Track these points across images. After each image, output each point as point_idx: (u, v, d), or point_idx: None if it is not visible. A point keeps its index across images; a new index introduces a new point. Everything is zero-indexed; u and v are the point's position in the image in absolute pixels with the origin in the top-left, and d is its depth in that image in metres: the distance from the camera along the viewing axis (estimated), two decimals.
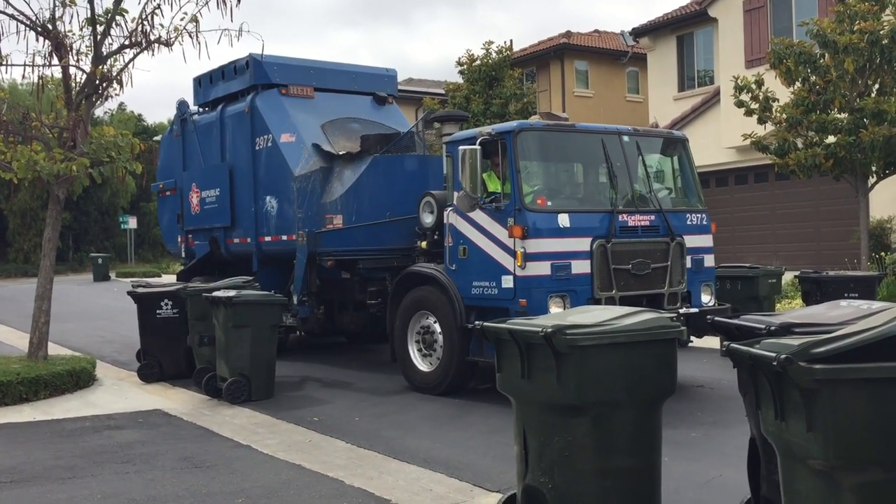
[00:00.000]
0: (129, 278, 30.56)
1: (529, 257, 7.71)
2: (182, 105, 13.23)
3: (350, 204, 10.11)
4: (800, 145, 14.24)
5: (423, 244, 9.16)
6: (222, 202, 12.07)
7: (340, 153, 10.58)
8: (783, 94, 14.91)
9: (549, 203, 8.09)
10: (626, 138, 8.55)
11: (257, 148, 11.39)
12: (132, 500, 5.41)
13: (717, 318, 4.24)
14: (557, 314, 4.55)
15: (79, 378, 9.52)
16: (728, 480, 5.44)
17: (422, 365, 8.89)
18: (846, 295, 9.12)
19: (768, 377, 2.94)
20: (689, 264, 8.51)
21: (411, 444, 6.76)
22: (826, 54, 13.85)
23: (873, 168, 13.98)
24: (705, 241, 8.81)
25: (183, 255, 13.31)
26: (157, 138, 41.53)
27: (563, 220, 7.88)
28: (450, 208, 8.58)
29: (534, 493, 4.16)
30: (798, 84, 14.37)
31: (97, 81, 9.70)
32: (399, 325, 9.07)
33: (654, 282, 8.19)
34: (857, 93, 13.77)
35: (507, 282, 7.87)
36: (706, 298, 8.78)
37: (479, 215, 8.19)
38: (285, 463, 6.24)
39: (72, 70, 9.75)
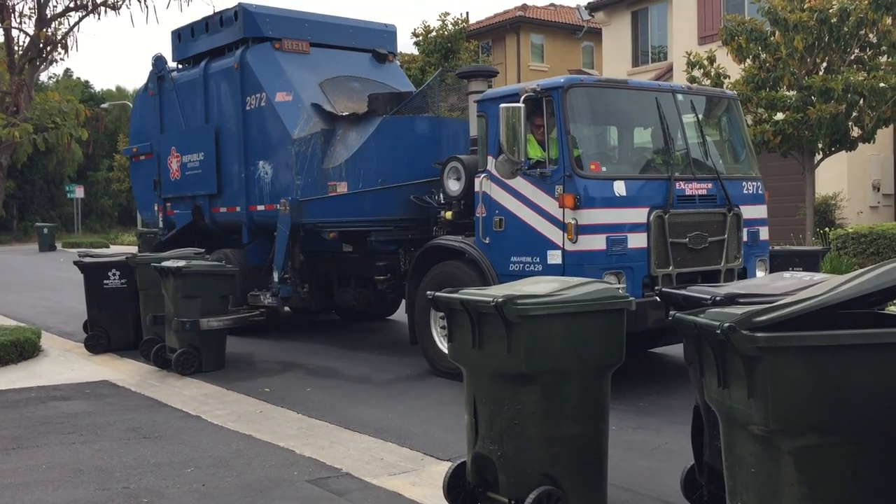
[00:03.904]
0: (76, 248, 29.98)
1: (582, 230, 6.94)
2: (159, 61, 12.14)
3: (356, 169, 9.29)
4: (749, 122, 14.45)
5: (448, 215, 8.36)
6: (207, 167, 11.16)
7: (344, 114, 9.79)
8: (734, 70, 15.11)
9: (604, 169, 7.30)
10: (680, 97, 7.81)
11: (248, 108, 10.52)
12: (78, 470, 5.34)
13: (664, 289, 4.31)
14: (509, 284, 4.56)
15: (23, 349, 9.34)
16: (673, 447, 5.57)
17: (447, 348, 8.24)
18: (791, 269, 9.33)
19: (712, 345, 3.00)
20: (745, 237, 7.82)
21: (363, 414, 6.78)
22: (776, 32, 14.06)
23: (820, 145, 14.27)
24: (761, 212, 8.11)
25: (160, 224, 12.33)
26: (105, 106, 40.45)
27: (619, 187, 7.08)
28: (482, 175, 7.73)
29: (483, 460, 4.21)
30: (749, 61, 14.58)
31: (41, 45, 9.45)
32: (421, 303, 8.27)
33: (710, 257, 7.49)
34: (805, 71, 14.01)
35: (555, 257, 7.10)
36: (761, 275, 7.93)
37: (519, 183, 7.34)
38: (235, 433, 6.21)
39: (14, 32, 9.51)
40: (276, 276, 9.63)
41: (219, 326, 8.65)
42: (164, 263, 8.69)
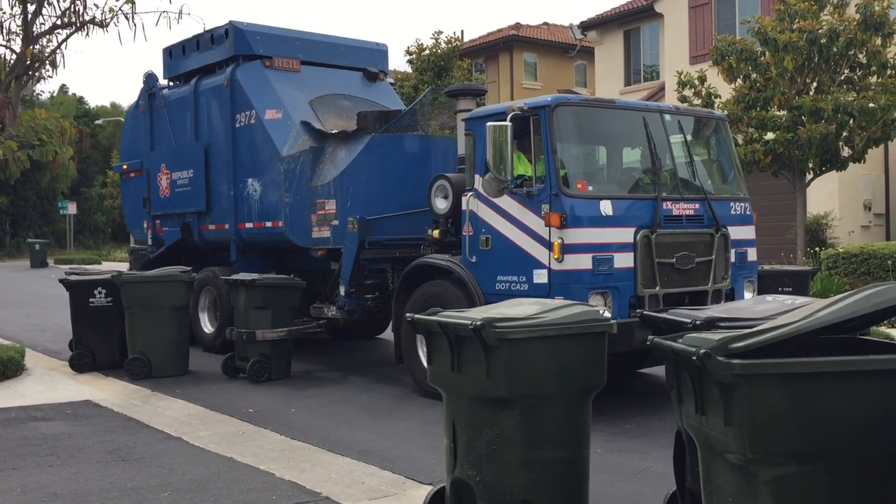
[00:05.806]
0: (68, 265, 29.84)
1: (568, 249, 6.89)
2: (150, 78, 12.21)
3: (345, 188, 9.35)
4: (740, 141, 14.47)
5: (435, 233, 8.34)
6: (196, 185, 11.19)
7: (333, 132, 9.84)
8: (725, 90, 15.14)
9: (591, 188, 7.29)
10: (668, 117, 7.79)
11: (238, 125, 10.55)
12: (54, 494, 5.25)
13: (645, 312, 4.26)
14: (489, 306, 4.51)
15: (6, 368, 9.22)
16: (659, 471, 5.49)
17: (427, 370, 8.08)
18: (780, 289, 9.29)
19: (689, 371, 2.95)
20: (732, 258, 7.79)
21: (347, 435, 6.70)
22: (767, 52, 14.10)
23: (810, 165, 14.27)
24: (748, 232, 8.11)
25: (149, 242, 12.31)
26: (99, 122, 40.27)
27: (606, 207, 7.05)
28: (469, 193, 7.71)
29: (462, 486, 4.14)
30: (739, 81, 14.60)
31: (28, 62, 9.41)
32: (406, 322, 8.45)
33: (697, 278, 7.44)
34: (795, 91, 14.03)
35: (541, 276, 7.04)
36: (749, 296, 7.91)
37: (506, 201, 7.34)
38: (216, 455, 6.12)
39: (1, 50, 9.47)
40: (342, 290, 9.53)
41: (273, 337, 8.92)
42: (235, 276, 9.16)
